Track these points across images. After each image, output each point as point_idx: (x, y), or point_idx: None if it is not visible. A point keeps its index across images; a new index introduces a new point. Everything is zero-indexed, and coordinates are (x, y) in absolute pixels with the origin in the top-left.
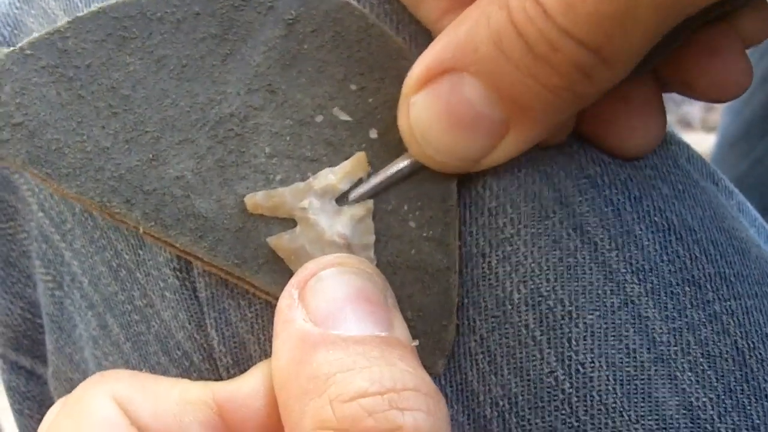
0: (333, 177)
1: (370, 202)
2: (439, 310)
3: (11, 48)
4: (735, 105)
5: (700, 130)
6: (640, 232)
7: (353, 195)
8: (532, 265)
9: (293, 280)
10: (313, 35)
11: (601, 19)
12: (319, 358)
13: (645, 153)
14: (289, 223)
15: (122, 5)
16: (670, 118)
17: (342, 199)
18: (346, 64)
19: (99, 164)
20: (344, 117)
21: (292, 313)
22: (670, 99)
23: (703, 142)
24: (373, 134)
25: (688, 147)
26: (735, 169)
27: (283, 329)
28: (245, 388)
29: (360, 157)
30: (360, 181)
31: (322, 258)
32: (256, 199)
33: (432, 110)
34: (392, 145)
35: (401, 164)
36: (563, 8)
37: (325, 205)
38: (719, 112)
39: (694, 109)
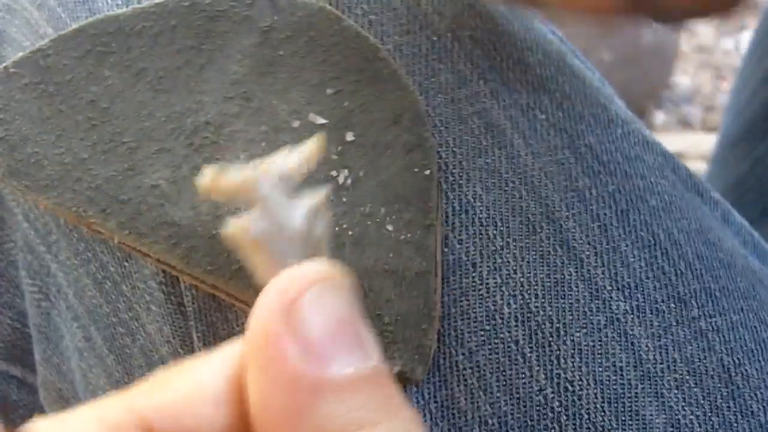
0: (292, 160)
1: (327, 189)
2: (418, 315)
3: None
4: (736, 105)
5: (700, 130)
6: (626, 248)
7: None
8: (521, 279)
9: (275, 297)
10: (287, 41)
11: None
12: (321, 411)
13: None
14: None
15: (101, 22)
16: (670, 118)
17: (301, 185)
18: (321, 68)
19: (77, 175)
20: (320, 121)
21: (281, 344)
22: (670, 99)
23: (703, 142)
24: (350, 137)
25: (673, 157)
26: (736, 169)
27: (271, 363)
28: (180, 397)
29: (319, 138)
30: (320, 165)
31: (303, 270)
32: (219, 179)
33: None
34: (368, 146)
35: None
36: None
37: (282, 191)
38: (720, 112)
39: (694, 109)
